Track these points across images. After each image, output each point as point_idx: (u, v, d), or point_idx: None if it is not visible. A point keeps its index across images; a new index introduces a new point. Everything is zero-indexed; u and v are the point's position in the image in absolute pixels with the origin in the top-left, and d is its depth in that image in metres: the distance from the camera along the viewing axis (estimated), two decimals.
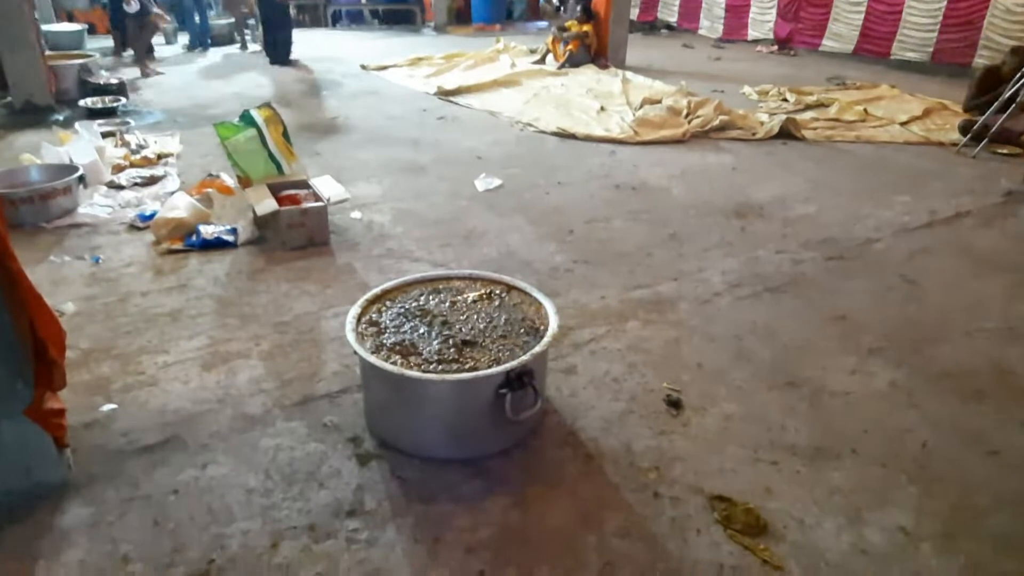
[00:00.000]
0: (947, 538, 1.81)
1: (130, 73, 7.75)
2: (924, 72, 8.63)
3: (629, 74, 8.04)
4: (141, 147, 4.87)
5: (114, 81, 6.66)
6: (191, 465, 2.00)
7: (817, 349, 2.68)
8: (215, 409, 2.25)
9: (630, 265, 3.36)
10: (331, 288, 3.07)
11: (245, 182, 3.74)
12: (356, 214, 3.90)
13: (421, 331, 2.15)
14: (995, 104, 5.19)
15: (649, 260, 3.42)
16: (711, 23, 12.09)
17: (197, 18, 10.09)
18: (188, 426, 2.17)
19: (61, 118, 5.82)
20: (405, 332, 2.15)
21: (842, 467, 2.05)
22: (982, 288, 3.22)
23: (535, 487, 1.96)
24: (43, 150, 4.31)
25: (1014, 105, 5.11)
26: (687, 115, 6.01)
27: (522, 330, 2.18)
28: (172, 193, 3.99)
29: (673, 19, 12.98)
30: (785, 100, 7.00)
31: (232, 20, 10.84)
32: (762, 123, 5.94)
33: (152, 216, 3.61)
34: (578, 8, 8.92)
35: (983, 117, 5.29)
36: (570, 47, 8.53)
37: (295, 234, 3.42)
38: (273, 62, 8.90)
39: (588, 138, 5.63)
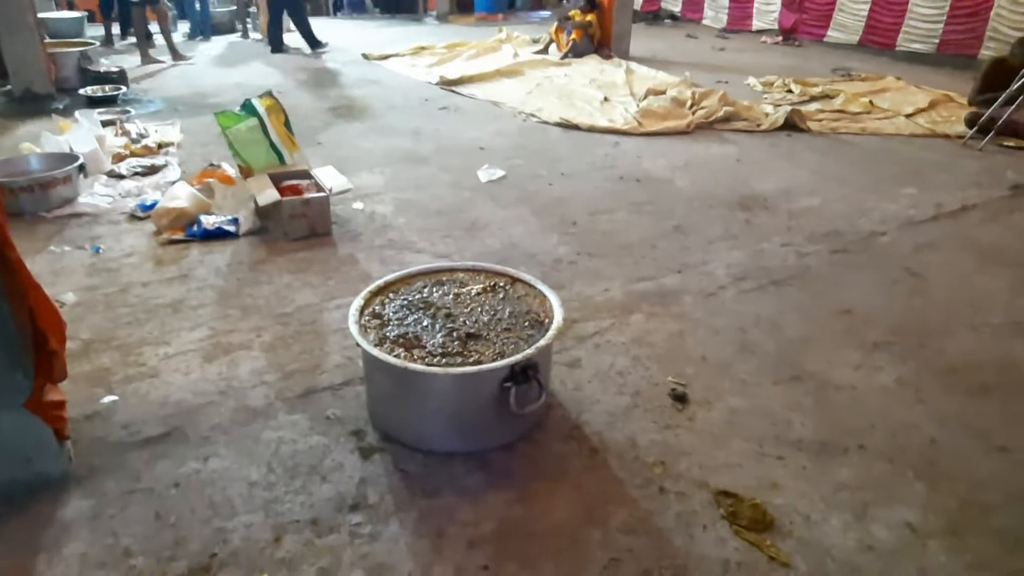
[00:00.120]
0: (954, 535, 1.80)
1: (123, 62, 7.68)
2: (930, 63, 8.56)
3: (633, 64, 7.98)
4: (142, 136, 4.84)
5: (114, 69, 6.61)
6: (193, 458, 1.99)
7: (822, 343, 2.66)
8: (217, 401, 2.23)
9: (634, 257, 3.34)
10: (333, 279, 3.05)
11: (246, 172, 3.72)
12: (358, 204, 3.87)
13: (425, 324, 2.14)
14: (1002, 96, 5.15)
15: (653, 252, 3.40)
16: (715, 13, 12.01)
17: (198, 6, 10.02)
18: (189, 418, 2.15)
19: (61, 106, 5.78)
20: (408, 324, 2.13)
21: (848, 462, 2.04)
22: (988, 282, 3.20)
23: (539, 481, 1.94)
24: (43, 139, 4.28)
25: (1022, 97, 5.07)
26: (691, 106, 5.97)
27: (526, 323, 2.16)
28: (173, 183, 3.97)
29: (677, 9, 12.89)
30: (790, 91, 6.95)
31: (233, 8, 10.77)
32: (767, 114, 5.89)
33: (153, 206, 3.59)
34: None
35: (990, 110, 5.25)
36: (573, 36, 8.46)
37: (297, 225, 3.40)
38: (275, 51, 8.85)
39: (592, 129, 5.59)
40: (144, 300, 2.85)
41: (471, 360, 1.98)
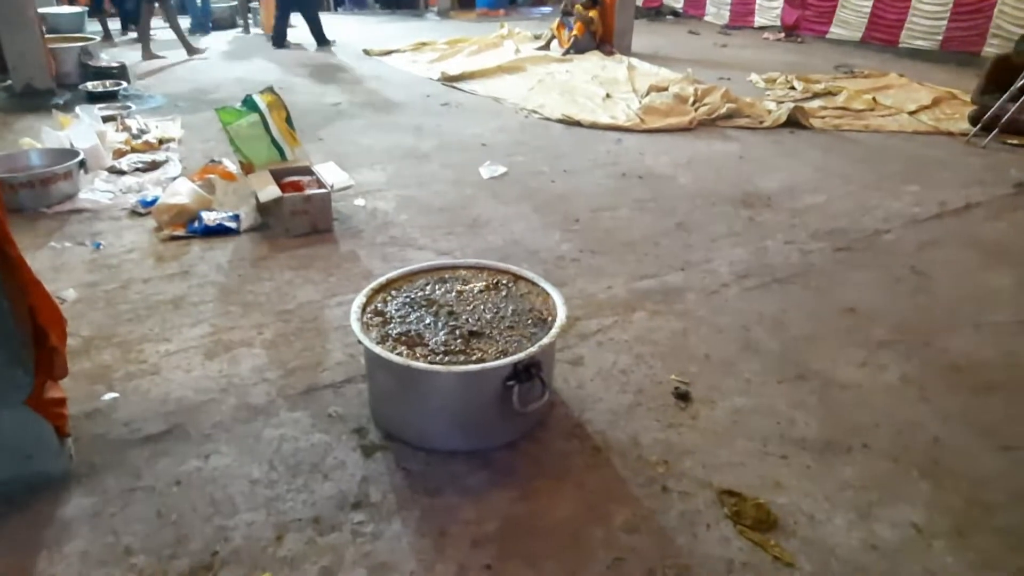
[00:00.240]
0: (959, 534, 1.79)
1: (123, 57, 7.65)
2: (933, 60, 8.52)
3: (635, 61, 7.95)
4: (142, 132, 4.82)
5: (115, 65, 6.59)
6: (194, 455, 1.98)
7: (826, 341, 2.65)
8: (218, 399, 2.22)
9: (637, 255, 3.32)
10: (335, 276, 3.04)
11: (247, 168, 3.71)
12: (360, 201, 3.86)
13: (427, 321, 2.12)
14: (1006, 94, 5.13)
15: (656, 250, 3.38)
16: (717, 9, 11.96)
17: (199, 1, 9.99)
18: (191, 415, 2.14)
19: (61, 102, 5.76)
20: (411, 322, 2.12)
21: (852, 461, 2.03)
22: (992, 280, 3.18)
23: (542, 480, 1.93)
24: (43, 134, 4.27)
25: None
26: (694, 103, 5.94)
27: (529, 321, 2.15)
28: (174, 179, 3.96)
29: (679, 5, 12.84)
30: (792, 88, 6.92)
31: (234, 3, 10.73)
32: (769, 111, 5.87)
33: (154, 202, 3.58)
34: None
35: (993, 107, 5.23)
36: (575, 32, 8.43)
37: (298, 221, 3.38)
38: (278, 46, 8.84)
39: (594, 125, 5.57)
40: (145, 297, 2.84)
41: (474, 358, 1.97)
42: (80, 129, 4.37)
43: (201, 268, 3.09)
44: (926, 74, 7.62)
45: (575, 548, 1.72)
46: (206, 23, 10.03)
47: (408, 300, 2.23)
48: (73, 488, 1.85)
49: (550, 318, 2.14)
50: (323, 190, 3.45)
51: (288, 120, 3.90)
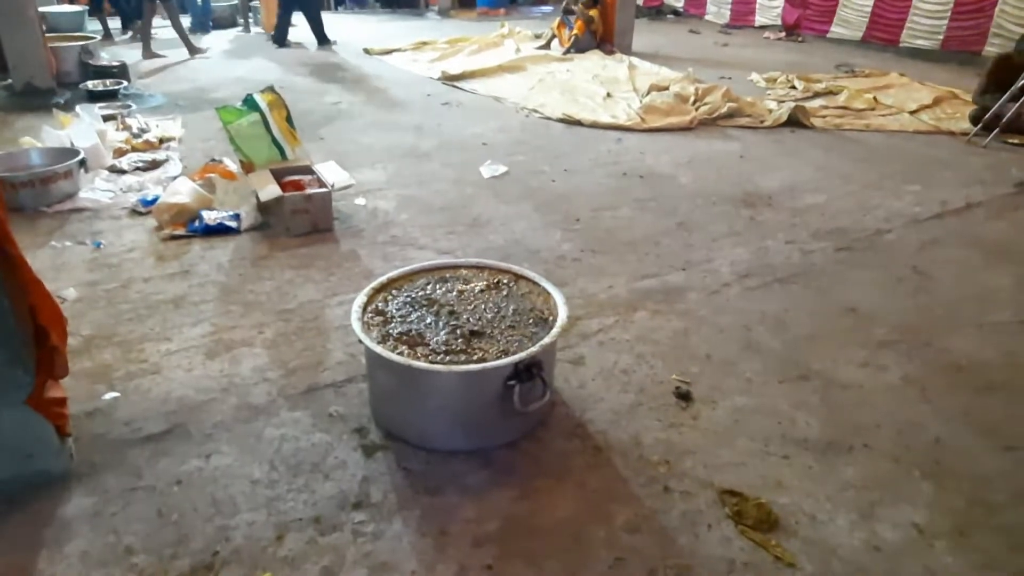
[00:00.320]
0: (961, 535, 1.79)
1: (123, 56, 7.64)
2: (934, 60, 8.51)
3: (635, 60, 7.94)
4: (143, 131, 4.82)
5: (115, 64, 6.59)
6: (195, 455, 1.98)
7: (828, 341, 2.65)
8: (219, 398, 2.22)
9: (638, 254, 3.32)
10: (335, 275, 3.04)
11: (248, 167, 3.70)
12: (360, 200, 3.85)
13: (428, 321, 2.12)
14: (1007, 93, 5.12)
15: (657, 249, 3.38)
16: (718, 8, 11.95)
17: (199, 0, 9.98)
18: (191, 415, 2.14)
19: (62, 101, 5.75)
20: (412, 322, 2.12)
21: (854, 461, 2.03)
22: (994, 280, 3.18)
23: (543, 479, 1.93)
24: (44, 133, 4.27)
25: None
26: (694, 102, 5.94)
27: (530, 320, 2.15)
28: (174, 178, 3.95)
29: (679, 4, 12.83)
30: (793, 87, 6.91)
31: (234, 2, 10.72)
32: (770, 111, 5.87)
33: (154, 201, 3.57)
34: None
35: (994, 107, 5.22)
36: (575, 31, 8.42)
37: (299, 220, 3.38)
38: (280, 45, 8.84)
39: (594, 125, 5.57)
40: (145, 296, 2.84)
41: (475, 358, 1.97)
42: (80, 128, 4.37)
43: (202, 267, 3.08)
44: (927, 73, 7.61)
45: (576, 548, 1.72)
46: (206, 22, 10.01)
47: (409, 299, 2.23)
48: (74, 487, 1.85)
49: (551, 318, 2.14)
50: (324, 189, 3.45)
51: (289, 119, 3.90)
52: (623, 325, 2.70)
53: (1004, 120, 5.13)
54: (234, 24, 10.56)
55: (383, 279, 2.31)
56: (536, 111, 5.92)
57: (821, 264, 3.28)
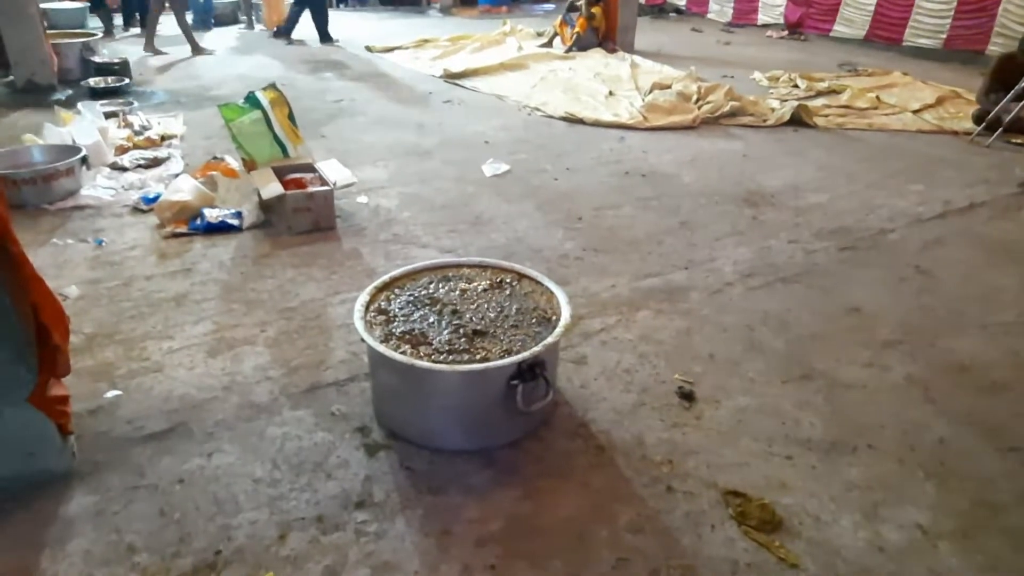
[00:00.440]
0: (965, 536, 1.78)
1: (125, 53, 7.63)
2: (937, 59, 8.50)
3: (638, 58, 7.93)
4: (144, 128, 4.81)
5: (117, 60, 6.58)
6: (197, 454, 1.97)
7: (831, 341, 2.64)
8: (221, 397, 2.22)
9: (640, 253, 3.31)
10: (337, 274, 3.03)
11: (250, 165, 3.70)
12: (362, 198, 3.85)
13: (431, 320, 2.12)
14: (1011, 93, 5.11)
15: (659, 248, 3.37)
16: (720, 7, 11.93)
17: None
18: (194, 413, 2.14)
19: (63, 98, 5.75)
20: (415, 321, 2.11)
21: (858, 462, 2.02)
22: (997, 280, 3.17)
23: (546, 479, 1.93)
24: (45, 130, 4.26)
25: None
26: (697, 101, 5.93)
27: (533, 319, 2.14)
28: (176, 175, 3.94)
29: (682, 2, 12.81)
30: (796, 86, 6.90)
31: None
32: (773, 109, 5.86)
33: (156, 199, 3.57)
34: None
35: (998, 106, 5.21)
36: (577, 29, 8.41)
37: (301, 218, 3.38)
38: (286, 39, 8.87)
39: (597, 123, 5.56)
40: (147, 294, 2.83)
41: (478, 357, 1.97)
42: (82, 125, 4.36)
43: (203, 265, 3.08)
44: (930, 73, 7.60)
45: (579, 548, 1.71)
46: (208, 19, 10.00)
47: (412, 298, 2.22)
48: (76, 486, 1.84)
49: (554, 317, 2.13)
50: (326, 187, 3.44)
51: (291, 117, 3.89)
52: (625, 324, 2.70)
53: (1008, 119, 5.11)
54: (236, 21, 10.55)
55: (386, 278, 2.31)
56: (538, 109, 5.92)
57: (824, 264, 3.27)
